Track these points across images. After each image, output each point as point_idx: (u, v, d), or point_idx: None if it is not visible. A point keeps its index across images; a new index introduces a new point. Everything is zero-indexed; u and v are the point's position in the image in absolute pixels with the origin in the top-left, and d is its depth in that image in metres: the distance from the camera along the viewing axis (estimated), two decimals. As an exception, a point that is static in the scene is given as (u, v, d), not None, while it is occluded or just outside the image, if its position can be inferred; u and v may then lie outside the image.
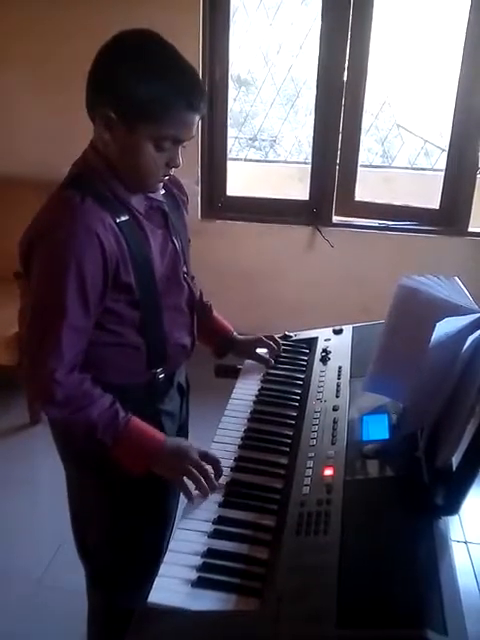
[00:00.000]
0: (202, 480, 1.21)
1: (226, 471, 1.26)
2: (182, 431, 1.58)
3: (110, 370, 1.31)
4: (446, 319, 1.05)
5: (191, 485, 1.22)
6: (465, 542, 1.48)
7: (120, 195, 1.25)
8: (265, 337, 1.69)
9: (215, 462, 1.26)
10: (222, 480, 1.24)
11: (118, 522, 1.42)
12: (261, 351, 1.69)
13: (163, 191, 1.35)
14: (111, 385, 1.29)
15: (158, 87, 1.14)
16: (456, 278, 1.31)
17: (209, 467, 1.24)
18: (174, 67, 1.17)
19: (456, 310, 1.12)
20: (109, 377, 1.31)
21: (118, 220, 1.22)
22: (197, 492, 1.21)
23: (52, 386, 1.20)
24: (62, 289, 1.17)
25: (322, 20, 3.05)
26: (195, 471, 1.22)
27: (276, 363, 1.67)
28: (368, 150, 3.99)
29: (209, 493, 1.21)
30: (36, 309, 1.23)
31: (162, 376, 1.38)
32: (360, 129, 3.22)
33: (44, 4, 3.09)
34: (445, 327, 1.05)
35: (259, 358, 1.68)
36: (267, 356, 1.68)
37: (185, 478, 1.23)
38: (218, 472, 1.25)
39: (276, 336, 1.72)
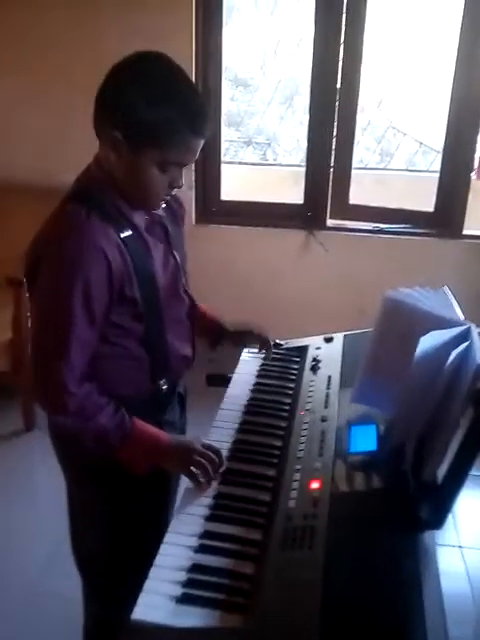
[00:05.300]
0: (209, 467, 1.27)
1: (213, 484, 1.27)
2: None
3: (114, 382, 1.32)
4: (430, 333, 1.05)
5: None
6: (459, 546, 1.49)
7: (123, 210, 1.28)
8: (256, 329, 1.69)
9: (217, 452, 1.30)
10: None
11: (116, 533, 1.43)
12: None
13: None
14: (116, 397, 1.30)
15: (164, 112, 1.16)
16: (445, 288, 1.30)
17: (213, 455, 1.29)
18: (181, 92, 1.20)
19: (440, 323, 1.12)
20: (113, 389, 1.32)
21: (122, 235, 1.25)
22: (203, 480, 1.26)
23: (65, 398, 1.23)
24: (69, 305, 1.19)
25: (315, 23, 3.04)
26: (203, 460, 1.27)
27: (266, 372, 1.67)
28: (366, 149, 3.99)
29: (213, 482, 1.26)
30: (43, 323, 1.26)
31: (165, 387, 1.40)
32: (354, 132, 3.22)
33: (37, 9, 3.07)
34: (429, 341, 1.05)
35: (253, 340, 1.69)
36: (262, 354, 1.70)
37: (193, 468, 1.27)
38: (220, 461, 1.30)
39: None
